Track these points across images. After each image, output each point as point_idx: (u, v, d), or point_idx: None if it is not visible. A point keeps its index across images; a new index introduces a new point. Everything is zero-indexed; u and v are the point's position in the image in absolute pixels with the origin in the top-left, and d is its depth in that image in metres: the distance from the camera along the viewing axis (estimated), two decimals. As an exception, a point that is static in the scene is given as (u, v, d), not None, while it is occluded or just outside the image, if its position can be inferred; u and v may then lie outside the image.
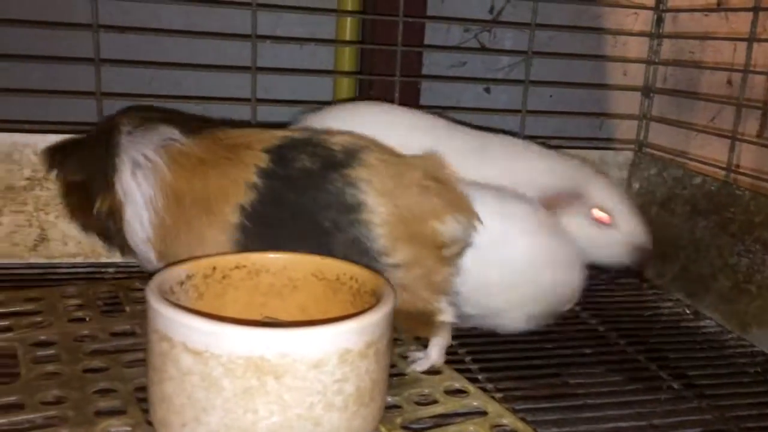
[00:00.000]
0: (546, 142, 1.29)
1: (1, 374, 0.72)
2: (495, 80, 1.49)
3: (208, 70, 1.30)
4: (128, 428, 0.64)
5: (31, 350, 0.77)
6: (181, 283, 0.69)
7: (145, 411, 0.66)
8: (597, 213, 0.96)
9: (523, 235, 0.86)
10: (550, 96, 1.55)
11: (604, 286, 1.11)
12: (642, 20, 1.51)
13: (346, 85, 1.40)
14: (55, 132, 1.03)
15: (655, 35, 1.29)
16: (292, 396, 0.56)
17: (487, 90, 1.51)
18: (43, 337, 0.80)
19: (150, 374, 0.61)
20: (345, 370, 0.58)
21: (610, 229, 0.97)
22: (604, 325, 0.99)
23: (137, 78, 1.30)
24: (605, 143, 1.54)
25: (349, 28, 1.37)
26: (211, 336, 0.55)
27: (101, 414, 0.66)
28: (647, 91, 1.31)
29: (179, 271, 0.69)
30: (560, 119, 1.55)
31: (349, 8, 1.34)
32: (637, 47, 1.47)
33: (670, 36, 1.36)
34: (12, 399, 0.68)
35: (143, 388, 0.71)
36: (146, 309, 0.61)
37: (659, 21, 1.29)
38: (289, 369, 0.56)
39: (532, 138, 1.26)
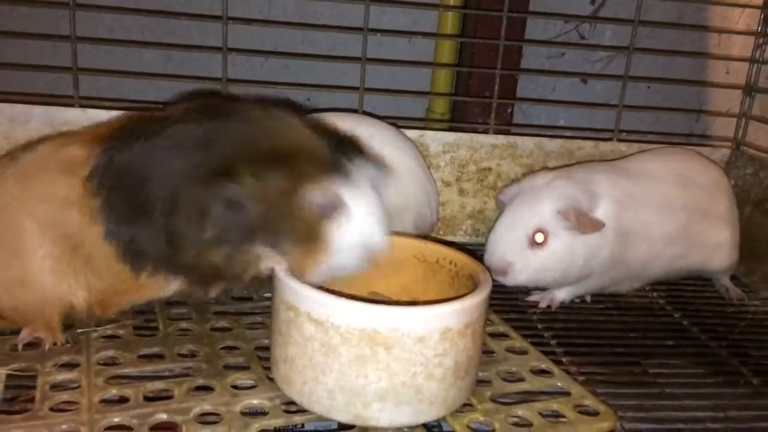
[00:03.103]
0: (643, 137, 1.32)
1: (144, 328, 0.84)
2: (594, 75, 1.51)
3: (319, 59, 1.38)
4: (252, 382, 0.74)
5: (166, 308, 0.88)
6: (300, 259, 0.78)
7: (266, 368, 0.75)
8: None
9: None
10: (648, 87, 1.55)
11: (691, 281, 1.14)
12: (748, 18, 1.49)
13: (443, 77, 1.46)
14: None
15: (761, 34, 1.28)
16: (398, 365, 0.64)
17: (584, 81, 1.53)
18: (175, 298, 0.91)
19: (275, 338, 0.71)
20: (445, 345, 0.65)
21: None
22: (687, 319, 1.02)
23: (253, 63, 1.40)
24: (702, 139, 1.55)
25: (450, 21, 1.42)
26: (332, 309, 0.64)
27: (229, 368, 0.76)
28: (749, 89, 1.31)
29: (299, 248, 0.78)
30: (656, 113, 1.56)
31: (452, 3, 1.40)
32: (742, 45, 1.46)
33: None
34: (155, 350, 0.79)
35: (263, 348, 0.81)
36: (274, 281, 0.71)
37: (767, 20, 1.28)
38: (398, 342, 0.64)
39: (627, 132, 1.29)
